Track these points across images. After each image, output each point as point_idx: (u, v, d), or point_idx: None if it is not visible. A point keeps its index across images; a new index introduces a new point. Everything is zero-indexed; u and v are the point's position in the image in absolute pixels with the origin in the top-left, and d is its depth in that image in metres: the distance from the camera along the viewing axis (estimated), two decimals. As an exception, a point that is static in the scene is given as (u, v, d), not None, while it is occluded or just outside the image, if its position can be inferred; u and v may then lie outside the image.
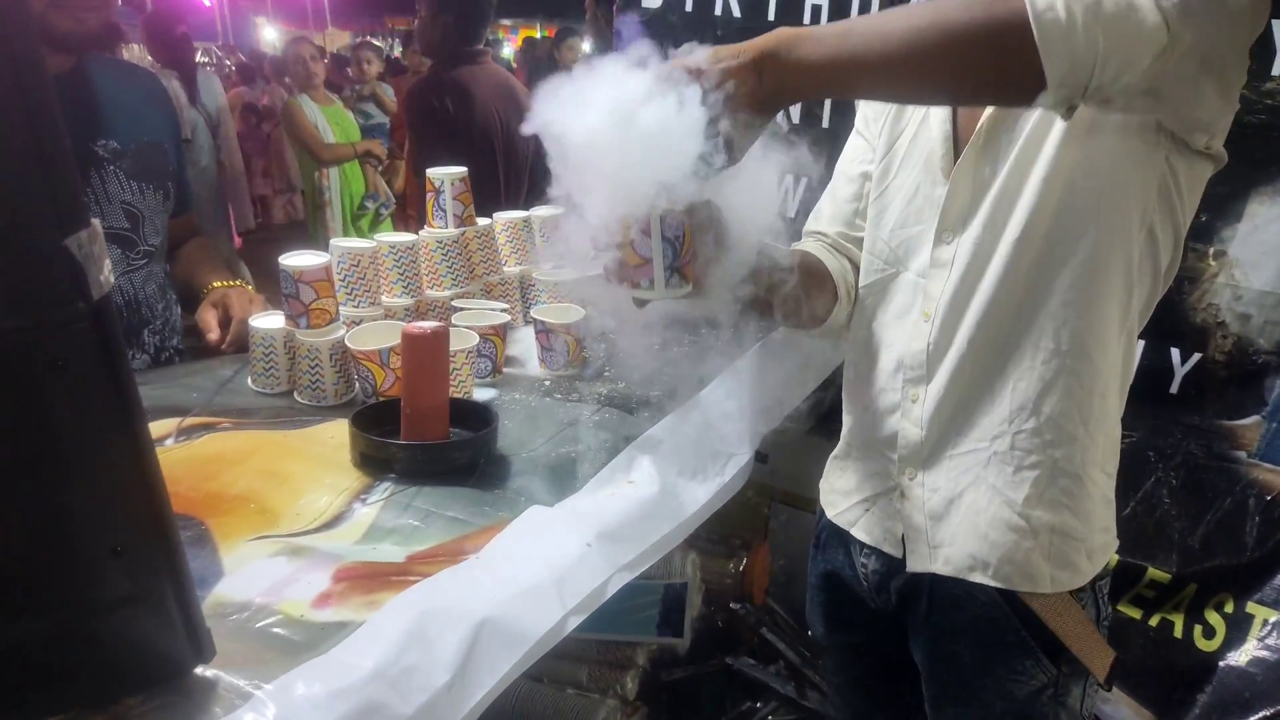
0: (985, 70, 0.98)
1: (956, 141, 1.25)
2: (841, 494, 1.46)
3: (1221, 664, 2.08)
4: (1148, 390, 1.92)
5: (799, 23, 2.58)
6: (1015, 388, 1.22)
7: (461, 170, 1.90)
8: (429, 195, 1.89)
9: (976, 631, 1.28)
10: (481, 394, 1.62)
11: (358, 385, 1.57)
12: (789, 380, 1.86)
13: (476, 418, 1.42)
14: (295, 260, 1.53)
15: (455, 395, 1.48)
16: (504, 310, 1.76)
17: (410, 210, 5.18)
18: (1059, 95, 0.95)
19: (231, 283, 1.84)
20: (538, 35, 15.15)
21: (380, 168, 5.71)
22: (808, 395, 1.94)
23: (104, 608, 0.77)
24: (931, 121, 1.27)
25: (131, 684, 0.82)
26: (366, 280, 1.66)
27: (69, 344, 0.70)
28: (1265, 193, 1.86)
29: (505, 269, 2.02)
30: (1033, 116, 1.15)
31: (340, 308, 1.61)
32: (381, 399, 1.50)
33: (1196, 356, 2.02)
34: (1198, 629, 2.14)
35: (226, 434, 1.41)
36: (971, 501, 1.27)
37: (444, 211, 1.88)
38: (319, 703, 0.83)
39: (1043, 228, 1.16)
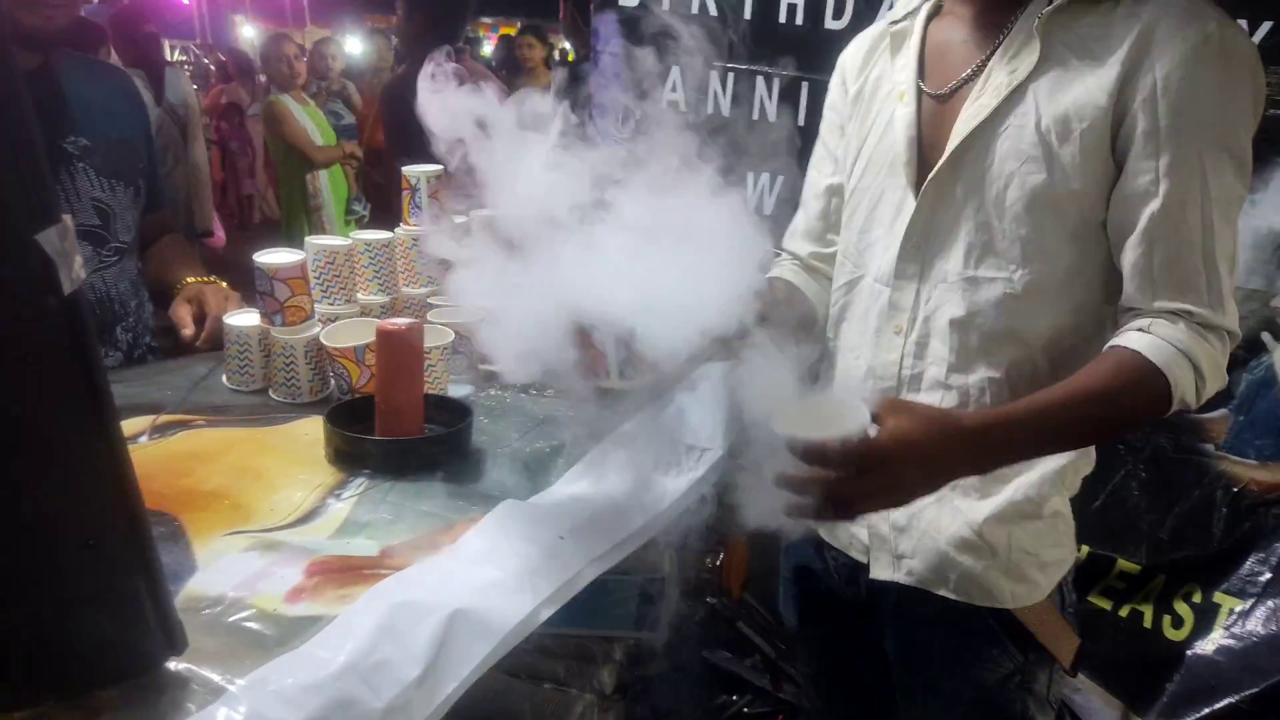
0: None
1: (921, 145, 1.25)
2: None
3: (1190, 653, 2.12)
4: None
5: (774, 20, 2.59)
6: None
7: (437, 168, 1.91)
8: (405, 193, 1.90)
9: (944, 621, 1.30)
10: (457, 390, 1.63)
11: (333, 382, 1.57)
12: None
13: (452, 413, 1.43)
14: (270, 257, 1.53)
15: (430, 391, 1.49)
16: (479, 307, 1.77)
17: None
18: None
19: (206, 279, 1.83)
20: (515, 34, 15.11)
21: (357, 170, 5.66)
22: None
23: (75, 601, 0.77)
24: (896, 126, 1.27)
25: (103, 678, 0.82)
26: (342, 278, 1.66)
27: (40, 339, 0.70)
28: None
29: (481, 266, 2.02)
30: (1007, 137, 1.15)
31: (316, 305, 1.62)
32: (357, 396, 1.50)
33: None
34: (1167, 619, 2.18)
35: (201, 431, 1.41)
36: (934, 518, 1.28)
37: (419, 209, 1.88)
38: (291, 697, 0.84)
39: (1017, 248, 1.16)
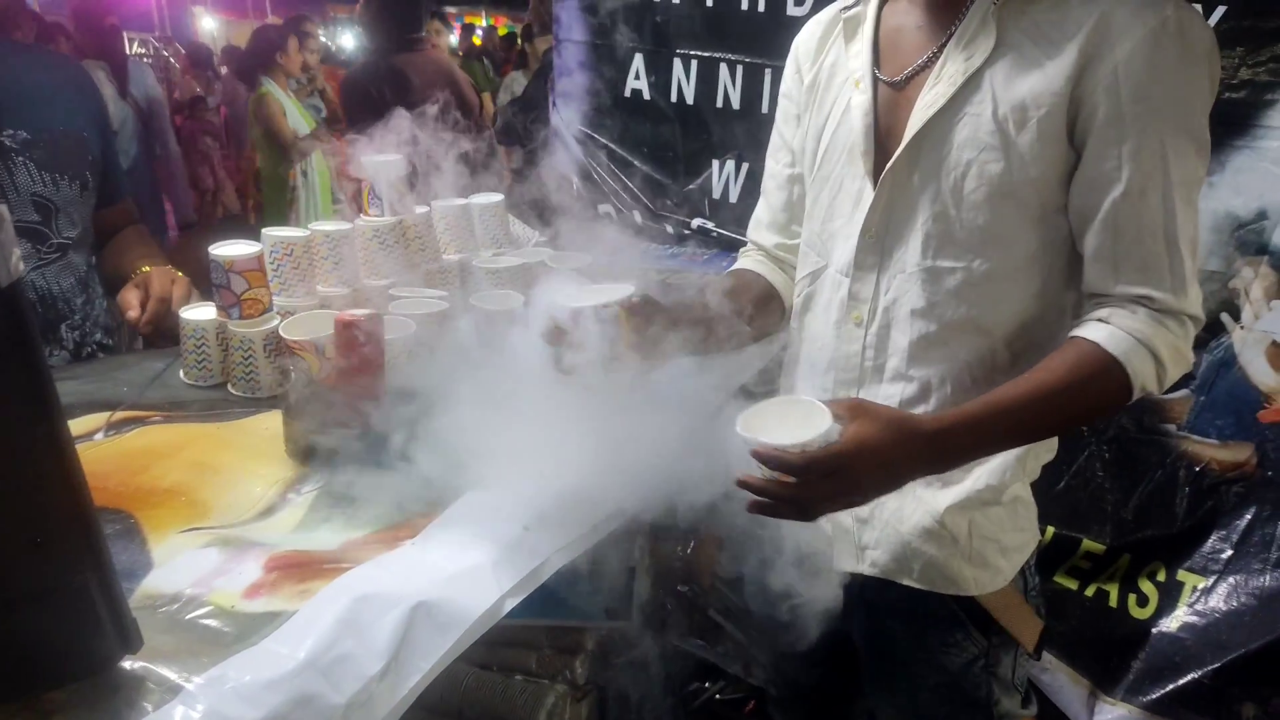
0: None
1: (878, 133, 1.24)
2: None
3: (1154, 630, 2.15)
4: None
5: (737, 7, 2.58)
6: (951, 400, 1.22)
7: (397, 158, 1.88)
8: (364, 183, 1.87)
9: (908, 608, 1.30)
10: (421, 381, 1.61)
11: (293, 376, 1.55)
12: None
13: (415, 405, 1.41)
14: (226, 250, 1.50)
15: (392, 383, 1.47)
16: (442, 298, 1.75)
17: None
18: None
19: (160, 266, 1.78)
20: (482, 23, 15.03)
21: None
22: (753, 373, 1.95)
23: (23, 600, 0.76)
24: (853, 114, 1.26)
25: (54, 677, 0.80)
26: (301, 270, 1.64)
27: (-23, 332, 0.68)
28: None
29: (445, 257, 2.01)
30: (965, 126, 1.15)
31: (274, 298, 1.59)
32: (318, 389, 1.48)
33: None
34: (1132, 597, 2.21)
35: (157, 427, 1.39)
36: (896, 509, 1.28)
37: (379, 199, 1.86)
38: (250, 695, 0.83)
39: (976, 237, 1.16)
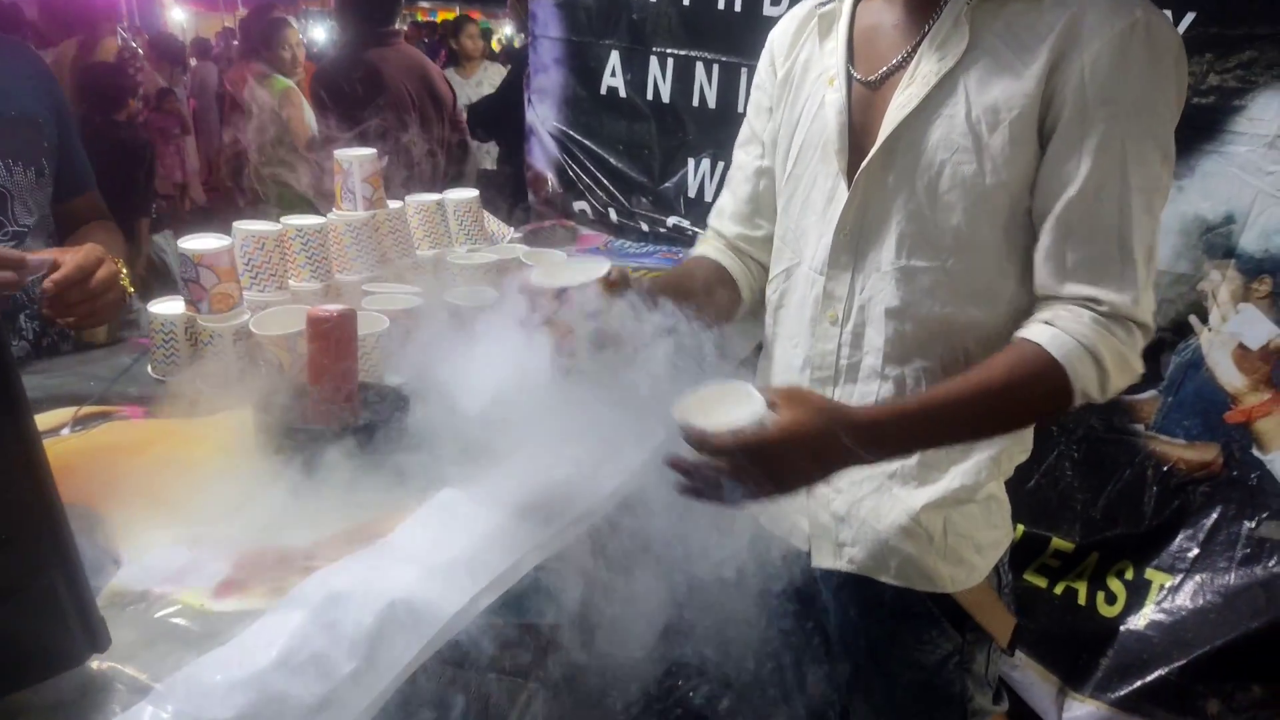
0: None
1: (852, 131, 1.24)
2: None
3: (1122, 628, 2.18)
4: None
5: (713, 5, 2.58)
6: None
7: (370, 152, 1.87)
8: (337, 177, 1.86)
9: (884, 605, 1.31)
10: (395, 378, 1.59)
11: (264, 371, 1.53)
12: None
13: (387, 402, 1.40)
14: (195, 243, 1.48)
15: (366, 380, 1.45)
16: (416, 294, 1.74)
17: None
18: None
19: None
20: (456, 16, 14.92)
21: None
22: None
23: (-14, 600, 0.74)
24: (827, 112, 1.26)
25: (20, 678, 0.79)
26: (272, 264, 1.62)
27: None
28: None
29: (419, 252, 2.00)
30: (939, 127, 1.15)
31: (245, 293, 1.57)
32: (289, 385, 1.46)
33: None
34: (1100, 595, 2.23)
35: (126, 423, 1.37)
36: (874, 507, 1.28)
37: (353, 194, 1.84)
38: (221, 694, 0.82)
39: (949, 238, 1.16)
